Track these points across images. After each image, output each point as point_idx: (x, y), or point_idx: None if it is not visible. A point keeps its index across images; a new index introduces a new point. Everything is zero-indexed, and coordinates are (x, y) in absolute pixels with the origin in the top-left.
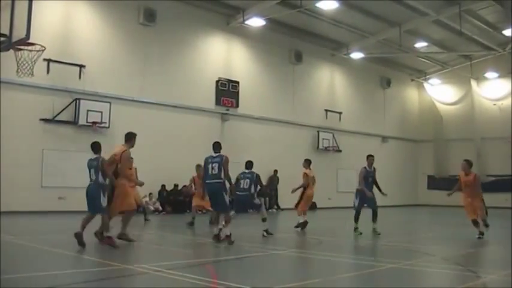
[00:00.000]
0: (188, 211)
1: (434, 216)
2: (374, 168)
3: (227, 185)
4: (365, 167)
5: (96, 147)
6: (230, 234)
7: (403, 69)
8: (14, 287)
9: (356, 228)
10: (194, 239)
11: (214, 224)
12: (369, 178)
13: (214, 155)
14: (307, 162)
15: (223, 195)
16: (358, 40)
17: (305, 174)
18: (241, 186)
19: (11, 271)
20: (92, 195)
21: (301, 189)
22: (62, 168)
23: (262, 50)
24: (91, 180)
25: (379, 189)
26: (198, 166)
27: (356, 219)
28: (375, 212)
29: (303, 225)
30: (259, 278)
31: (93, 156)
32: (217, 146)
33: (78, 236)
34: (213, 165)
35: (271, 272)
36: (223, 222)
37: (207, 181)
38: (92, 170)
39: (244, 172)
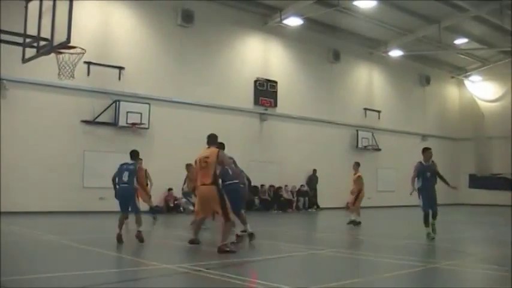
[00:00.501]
0: None
1: (475, 216)
2: (433, 162)
3: None
4: (420, 162)
5: (134, 155)
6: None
7: (442, 66)
8: (57, 286)
9: (428, 234)
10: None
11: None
12: (426, 173)
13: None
14: (358, 165)
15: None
16: (397, 38)
17: (359, 177)
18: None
19: (55, 270)
20: (128, 196)
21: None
22: (102, 169)
23: (300, 49)
24: (124, 182)
25: (446, 183)
26: (188, 166)
27: (425, 222)
28: (434, 213)
29: (355, 223)
30: (298, 277)
31: (129, 161)
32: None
33: (118, 237)
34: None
35: (310, 271)
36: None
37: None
38: (127, 173)
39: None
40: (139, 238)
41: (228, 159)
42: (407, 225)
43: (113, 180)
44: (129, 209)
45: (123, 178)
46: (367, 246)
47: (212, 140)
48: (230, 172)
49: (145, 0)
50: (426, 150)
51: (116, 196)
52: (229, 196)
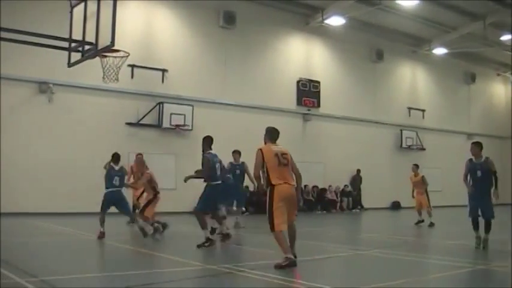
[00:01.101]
0: None
1: None
2: (487, 159)
3: None
4: (470, 159)
5: (116, 158)
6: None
7: (488, 63)
8: (99, 286)
9: (477, 239)
10: None
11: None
12: (476, 172)
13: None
14: (417, 167)
15: None
16: (441, 35)
17: (423, 177)
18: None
19: (100, 270)
20: (117, 199)
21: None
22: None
23: (342, 49)
24: (115, 186)
25: (495, 185)
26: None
27: (475, 227)
28: (487, 223)
29: (431, 224)
30: (343, 278)
31: (116, 166)
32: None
33: (102, 235)
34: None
35: (355, 272)
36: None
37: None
38: (117, 178)
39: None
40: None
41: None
42: (454, 226)
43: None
44: (126, 211)
45: (114, 182)
46: (413, 247)
47: (277, 135)
48: (218, 172)
49: (187, 1)
50: (473, 145)
51: (105, 199)
52: (217, 196)
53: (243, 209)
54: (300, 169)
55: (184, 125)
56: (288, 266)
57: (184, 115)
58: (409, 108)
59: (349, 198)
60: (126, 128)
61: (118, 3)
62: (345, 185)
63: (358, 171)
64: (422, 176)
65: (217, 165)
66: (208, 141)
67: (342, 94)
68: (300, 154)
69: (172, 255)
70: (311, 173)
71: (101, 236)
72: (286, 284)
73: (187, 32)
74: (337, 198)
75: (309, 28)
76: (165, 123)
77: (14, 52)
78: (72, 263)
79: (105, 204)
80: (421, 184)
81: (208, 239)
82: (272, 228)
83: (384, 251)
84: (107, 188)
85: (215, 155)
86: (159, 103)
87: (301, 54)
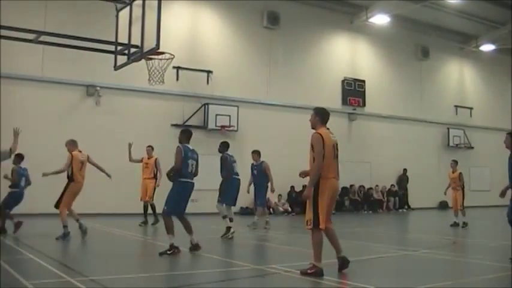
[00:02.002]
0: None
1: None
2: None
3: None
4: None
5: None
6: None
7: None
8: (146, 286)
9: None
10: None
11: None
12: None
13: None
14: (456, 163)
15: None
16: (488, 31)
17: (460, 174)
18: None
19: (146, 270)
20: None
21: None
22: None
23: (387, 47)
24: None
25: None
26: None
27: None
28: None
29: (465, 223)
30: (390, 279)
31: (23, 166)
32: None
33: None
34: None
35: (402, 273)
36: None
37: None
38: (24, 179)
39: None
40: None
41: None
42: (502, 226)
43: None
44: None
45: (21, 183)
46: (461, 248)
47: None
48: (190, 169)
49: (230, 2)
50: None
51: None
52: (188, 195)
53: (268, 209)
54: (346, 169)
55: (229, 126)
56: (314, 274)
57: (230, 116)
58: (456, 107)
59: (395, 198)
60: (172, 130)
61: (162, 5)
62: (392, 185)
63: (405, 170)
64: (460, 173)
65: (191, 161)
66: (186, 134)
67: (387, 93)
68: (346, 154)
69: (219, 256)
70: (357, 173)
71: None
72: (333, 285)
73: (231, 33)
74: (384, 198)
75: (354, 27)
76: (211, 124)
77: (62, 56)
78: (120, 263)
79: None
80: (457, 181)
81: (172, 246)
82: (317, 225)
83: (432, 251)
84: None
85: (192, 150)
86: (205, 104)
87: (346, 53)
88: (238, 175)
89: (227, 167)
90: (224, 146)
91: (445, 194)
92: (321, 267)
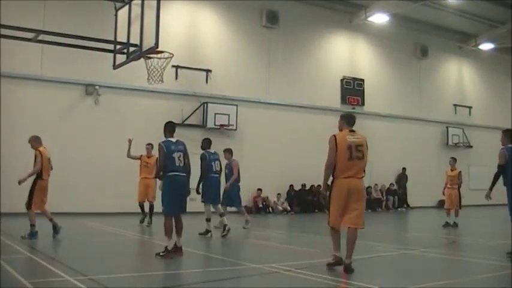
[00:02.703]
0: (316, 210)
1: None
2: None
3: None
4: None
5: None
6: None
7: None
8: (147, 285)
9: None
10: (323, 238)
11: None
12: None
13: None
14: (455, 160)
15: None
16: (487, 30)
17: (460, 173)
18: None
19: (148, 269)
20: None
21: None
22: (192, 170)
23: (386, 46)
24: None
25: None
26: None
27: None
28: None
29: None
30: (390, 278)
31: None
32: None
33: None
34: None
35: (401, 272)
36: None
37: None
38: None
39: None
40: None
41: None
42: (501, 225)
43: None
44: None
45: None
46: (460, 247)
47: (354, 121)
48: (177, 163)
49: (230, 1)
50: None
51: None
52: (180, 189)
53: (241, 208)
54: None
55: (228, 125)
56: (334, 264)
57: (229, 115)
58: (455, 105)
59: (394, 197)
60: None
61: (162, 4)
62: (391, 184)
63: (404, 169)
64: (460, 172)
65: (177, 154)
66: (169, 127)
67: (386, 92)
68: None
69: (217, 255)
70: None
71: None
72: (334, 284)
73: (230, 32)
74: (383, 197)
75: (353, 26)
76: (210, 123)
77: (61, 55)
78: (120, 262)
79: None
80: (456, 180)
81: (166, 249)
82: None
83: (431, 250)
84: None
85: (176, 142)
86: (204, 103)
87: (345, 52)
88: (217, 173)
89: (205, 165)
90: (206, 143)
91: (443, 194)
92: (340, 257)
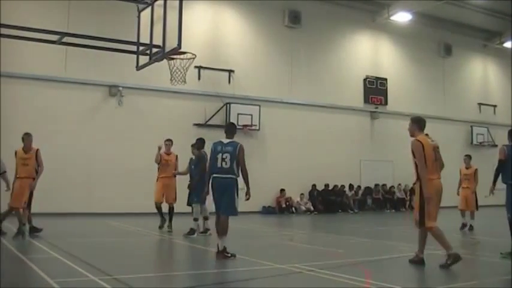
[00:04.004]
0: (340, 210)
1: None
2: None
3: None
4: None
5: None
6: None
7: None
8: (170, 285)
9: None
10: (347, 238)
11: None
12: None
13: (226, 141)
14: (470, 158)
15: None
16: None
17: (476, 171)
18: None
19: (171, 269)
20: None
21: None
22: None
23: (409, 44)
24: None
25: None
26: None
27: None
28: None
29: (471, 226)
30: (414, 278)
31: None
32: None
33: None
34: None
35: (426, 272)
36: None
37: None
38: None
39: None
40: None
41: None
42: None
43: None
44: None
45: None
46: (484, 247)
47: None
48: (220, 164)
49: (252, 1)
50: None
51: None
52: (215, 190)
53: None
54: (368, 167)
55: (251, 125)
56: (453, 263)
57: (251, 115)
58: (480, 104)
59: None
60: (194, 129)
61: (184, 5)
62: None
63: (476, 169)
64: (476, 169)
65: (220, 155)
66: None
67: (409, 91)
68: (368, 152)
69: (240, 255)
70: (380, 172)
71: None
72: (357, 284)
73: (253, 32)
74: (406, 196)
75: (375, 25)
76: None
77: (85, 57)
78: (144, 262)
79: None
80: (472, 179)
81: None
82: (422, 224)
83: (456, 250)
84: None
85: (225, 144)
86: (226, 103)
87: (368, 52)
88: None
89: (204, 165)
90: (202, 143)
91: (458, 194)
92: (457, 253)
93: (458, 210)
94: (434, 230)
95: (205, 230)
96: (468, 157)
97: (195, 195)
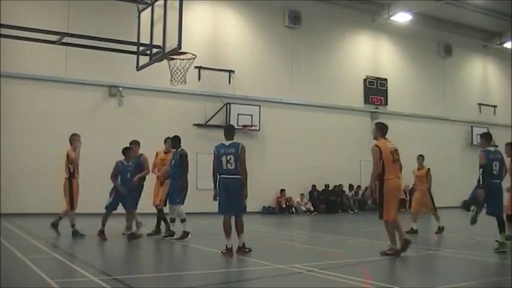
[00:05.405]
0: (340, 211)
1: None
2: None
3: None
4: (486, 149)
5: None
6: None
7: None
8: (170, 286)
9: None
10: (346, 239)
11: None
12: (494, 163)
13: (227, 143)
14: (423, 158)
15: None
16: None
17: (428, 171)
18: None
19: (171, 269)
20: None
21: None
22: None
23: (409, 45)
24: None
25: None
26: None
27: (500, 229)
28: (500, 220)
29: (439, 228)
30: (413, 278)
31: None
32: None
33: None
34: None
35: (424, 272)
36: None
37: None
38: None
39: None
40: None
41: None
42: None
43: None
44: None
45: None
46: (484, 247)
47: (387, 130)
48: (225, 166)
49: (252, 2)
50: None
51: None
52: (222, 191)
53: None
54: (368, 168)
55: (251, 125)
56: (393, 254)
57: (252, 115)
58: (480, 104)
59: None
60: (194, 129)
61: (184, 6)
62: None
63: (428, 169)
64: (428, 169)
65: (224, 157)
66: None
67: (410, 91)
68: (369, 153)
69: (241, 255)
70: None
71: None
72: (357, 284)
73: (253, 32)
74: (406, 197)
75: (375, 25)
76: (233, 124)
77: (85, 57)
78: (144, 262)
79: None
80: (424, 179)
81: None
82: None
83: (455, 251)
84: None
85: (227, 146)
86: (226, 104)
87: (368, 52)
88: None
89: (187, 164)
90: (177, 141)
91: (405, 194)
92: (397, 249)
93: (410, 213)
94: (390, 223)
95: (171, 233)
96: (421, 157)
97: (178, 196)
